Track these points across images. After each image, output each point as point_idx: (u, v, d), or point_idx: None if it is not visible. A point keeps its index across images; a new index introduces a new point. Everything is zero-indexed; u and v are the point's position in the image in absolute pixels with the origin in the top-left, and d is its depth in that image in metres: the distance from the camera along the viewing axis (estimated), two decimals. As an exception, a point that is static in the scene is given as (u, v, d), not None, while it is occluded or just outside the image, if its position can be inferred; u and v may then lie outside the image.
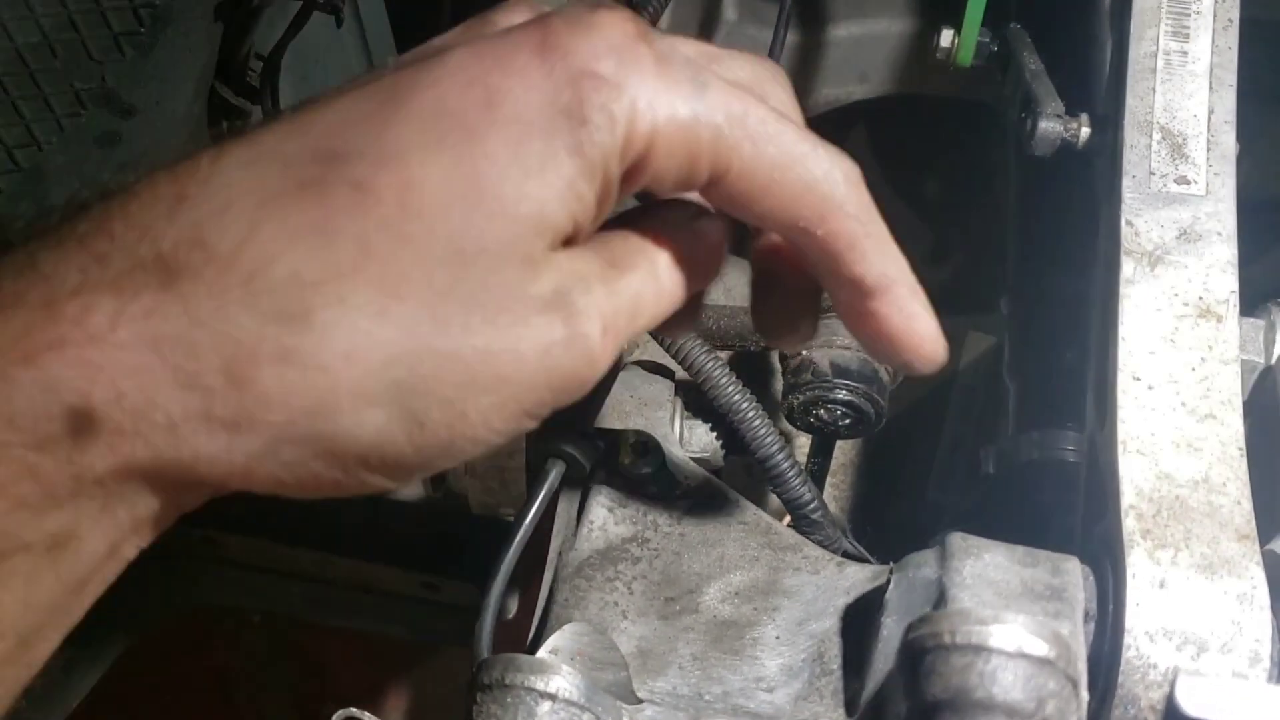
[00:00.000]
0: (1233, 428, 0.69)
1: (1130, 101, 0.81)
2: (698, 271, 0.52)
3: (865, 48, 1.50)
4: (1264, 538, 0.66)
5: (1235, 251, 0.75)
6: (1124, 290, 0.73)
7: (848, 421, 1.00)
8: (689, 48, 0.49)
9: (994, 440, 1.00)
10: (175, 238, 0.42)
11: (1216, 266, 0.74)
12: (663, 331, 0.64)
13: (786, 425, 1.02)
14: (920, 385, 1.30)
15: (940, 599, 0.63)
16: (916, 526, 1.22)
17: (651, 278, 0.49)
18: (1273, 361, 0.80)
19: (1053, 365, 0.98)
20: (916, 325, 0.51)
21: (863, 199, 0.49)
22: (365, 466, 0.44)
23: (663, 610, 0.74)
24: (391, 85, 0.45)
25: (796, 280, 0.55)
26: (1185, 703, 0.44)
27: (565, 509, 0.84)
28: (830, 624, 0.72)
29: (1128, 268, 0.74)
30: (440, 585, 1.14)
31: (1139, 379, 0.70)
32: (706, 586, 0.76)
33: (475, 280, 0.43)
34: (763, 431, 0.90)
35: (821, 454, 1.08)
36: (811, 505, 0.92)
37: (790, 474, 0.91)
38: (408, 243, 0.42)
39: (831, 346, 0.99)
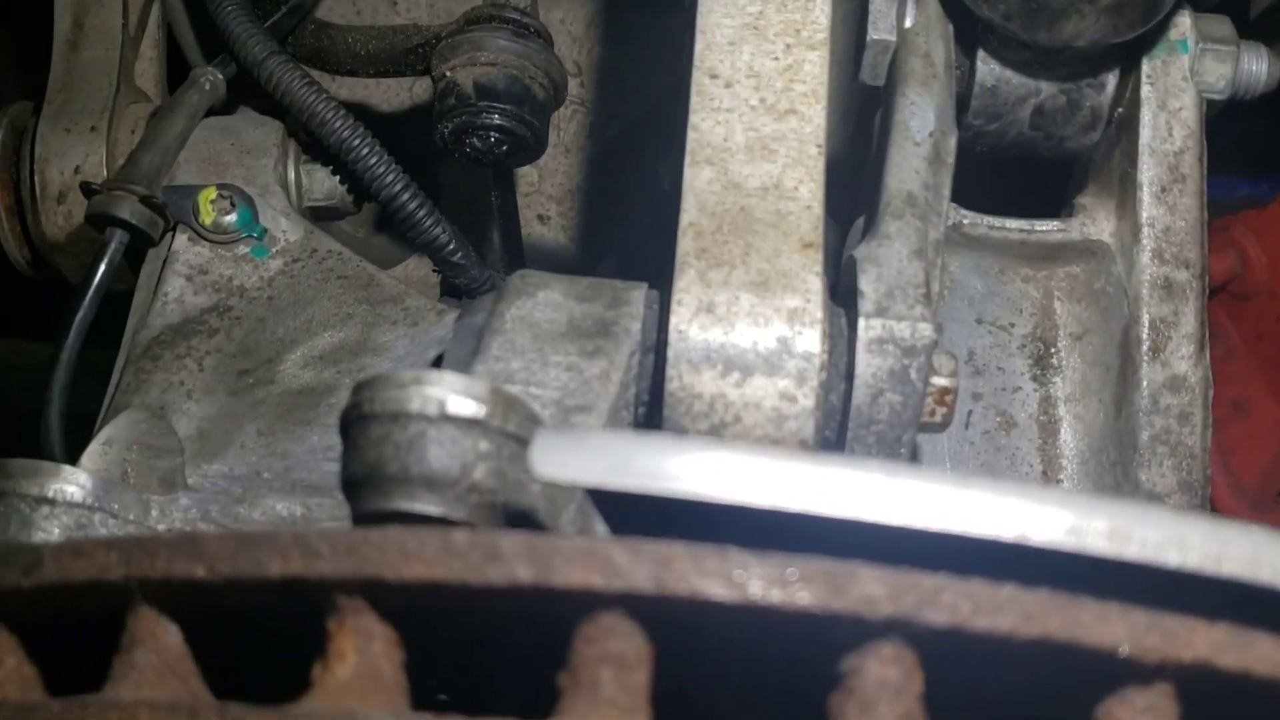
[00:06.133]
0: (814, 123, 0.61)
1: None
2: None
3: None
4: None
5: (834, -89, 0.65)
6: (707, -29, 0.64)
7: (505, 149, 0.90)
8: None
9: (670, 155, 0.92)
10: None
11: (813, -67, 0.64)
12: None
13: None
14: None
15: (478, 348, 0.57)
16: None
17: None
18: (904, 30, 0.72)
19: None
20: None
21: None
22: None
23: (234, 385, 0.67)
24: None
25: None
26: (540, 466, 0.38)
27: (146, 282, 0.75)
28: (416, 380, 0.66)
29: (712, -57, 0.64)
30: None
31: (716, 76, 0.62)
32: (289, 353, 0.69)
33: None
34: (381, 170, 0.81)
35: (500, 186, 0.99)
36: (450, 247, 0.84)
37: (420, 214, 0.83)
38: None
39: (476, 65, 0.88)
